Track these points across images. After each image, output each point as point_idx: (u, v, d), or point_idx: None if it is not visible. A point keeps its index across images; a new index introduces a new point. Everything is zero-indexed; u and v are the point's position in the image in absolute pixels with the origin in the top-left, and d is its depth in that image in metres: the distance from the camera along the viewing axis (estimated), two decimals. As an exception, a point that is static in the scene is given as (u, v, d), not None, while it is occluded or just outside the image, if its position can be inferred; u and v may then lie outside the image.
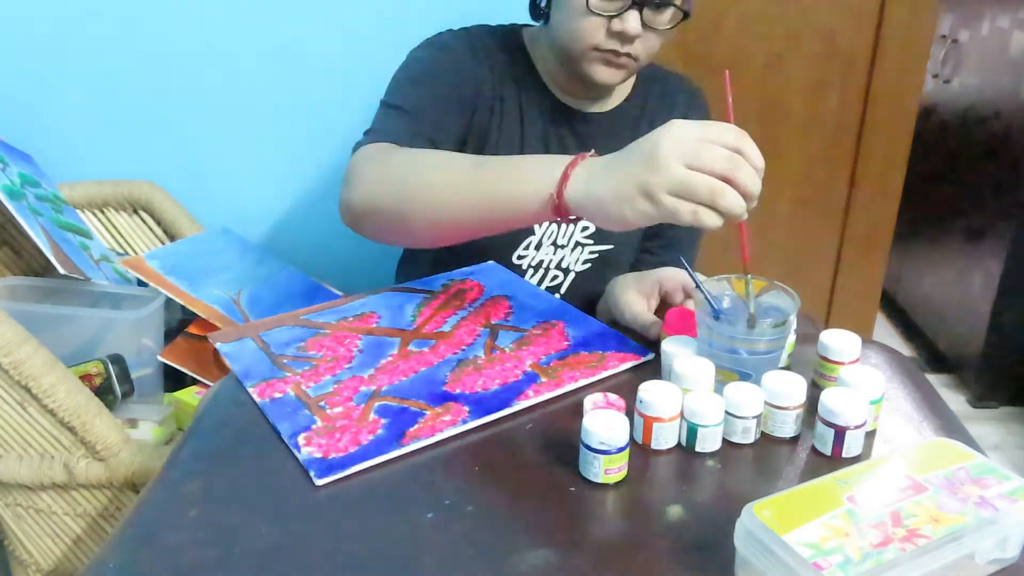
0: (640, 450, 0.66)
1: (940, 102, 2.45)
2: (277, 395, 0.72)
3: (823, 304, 1.93)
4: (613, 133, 1.04)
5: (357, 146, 0.90)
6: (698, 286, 0.71)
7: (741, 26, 1.63)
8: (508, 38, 1.04)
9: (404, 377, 0.75)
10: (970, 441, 0.68)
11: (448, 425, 0.67)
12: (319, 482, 0.61)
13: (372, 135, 0.91)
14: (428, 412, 0.69)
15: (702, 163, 0.62)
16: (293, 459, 0.64)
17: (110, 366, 1.11)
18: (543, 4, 0.99)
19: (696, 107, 1.11)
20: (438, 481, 0.62)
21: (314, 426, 0.67)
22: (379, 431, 0.67)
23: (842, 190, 1.80)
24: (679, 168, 0.62)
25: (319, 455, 0.63)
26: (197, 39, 1.39)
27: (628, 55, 0.91)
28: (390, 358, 0.78)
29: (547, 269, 1.06)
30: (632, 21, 0.88)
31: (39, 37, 1.37)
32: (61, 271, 1.14)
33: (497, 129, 1.01)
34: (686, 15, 0.91)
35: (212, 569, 0.53)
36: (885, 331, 2.65)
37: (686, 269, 0.75)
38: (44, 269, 1.31)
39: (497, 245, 1.01)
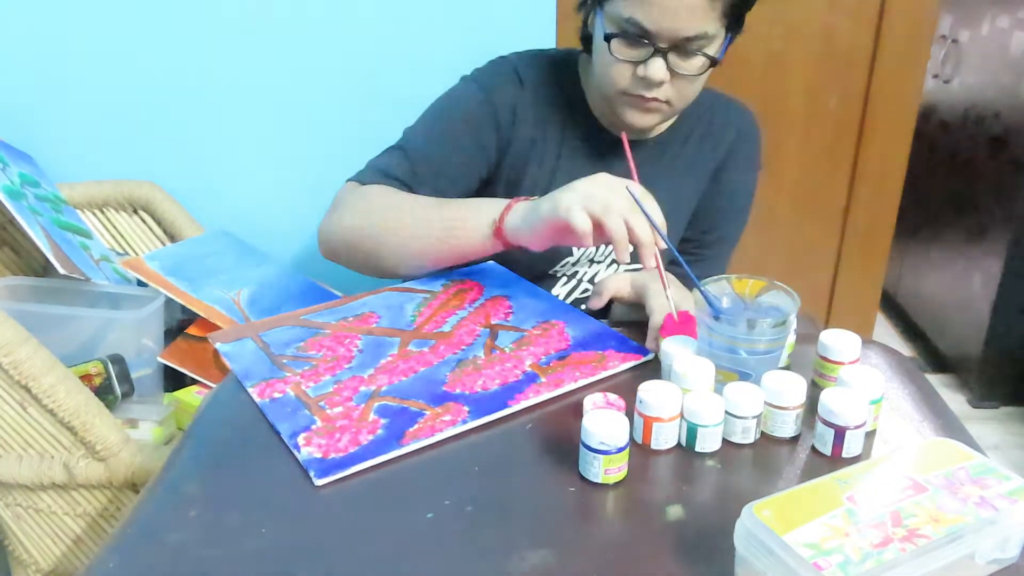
0: (640, 450, 0.66)
1: (940, 102, 2.45)
2: (277, 395, 0.72)
3: (823, 304, 1.93)
4: (657, 159, 1.04)
5: (352, 177, 0.98)
6: (697, 287, 0.71)
7: (741, 26, 1.63)
8: (560, 65, 1.04)
9: (404, 377, 0.75)
10: (970, 441, 0.68)
11: (448, 425, 0.67)
12: (319, 482, 0.61)
13: (367, 171, 0.98)
14: (428, 412, 0.69)
15: (600, 219, 0.75)
16: (293, 459, 0.64)
17: (110, 366, 1.11)
18: (587, 39, 0.99)
19: (750, 138, 1.09)
20: (438, 481, 0.62)
21: (314, 426, 0.67)
22: (379, 431, 0.67)
23: (842, 190, 1.80)
24: (581, 215, 0.75)
25: (319, 455, 0.63)
26: (197, 39, 1.39)
27: (656, 99, 0.90)
28: (390, 358, 0.78)
29: (579, 281, 1.07)
30: (655, 68, 0.87)
31: (39, 38, 1.37)
32: (61, 271, 1.14)
33: (537, 163, 1.01)
34: (714, 62, 0.89)
35: (212, 569, 0.53)
36: (885, 331, 2.65)
37: (684, 268, 0.75)
38: (44, 269, 1.31)
39: (535, 259, 0.97)
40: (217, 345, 0.81)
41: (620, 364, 0.78)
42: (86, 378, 1.09)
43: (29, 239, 1.16)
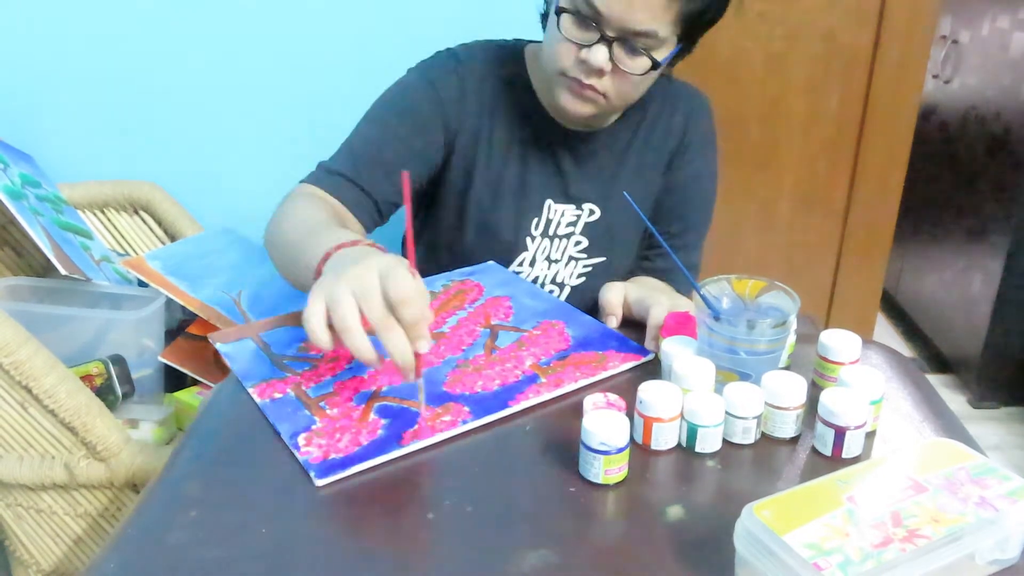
0: (640, 450, 0.66)
1: (940, 102, 2.45)
2: (277, 395, 0.72)
3: (823, 304, 1.93)
4: (608, 150, 1.04)
5: (306, 177, 0.97)
6: (696, 288, 0.71)
7: (741, 26, 1.63)
8: (507, 56, 1.03)
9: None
10: (970, 441, 0.68)
11: (449, 426, 0.67)
12: (319, 483, 0.61)
13: (316, 170, 0.98)
14: (428, 413, 0.69)
15: (363, 302, 0.62)
16: (293, 460, 0.64)
17: (111, 366, 1.11)
18: (544, 20, 0.99)
19: (701, 118, 1.08)
20: (438, 481, 0.62)
21: (314, 426, 0.67)
22: (379, 431, 0.66)
23: (842, 190, 1.80)
24: (344, 290, 0.63)
25: (319, 456, 0.63)
26: (197, 39, 1.39)
27: (593, 88, 0.89)
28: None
29: (543, 284, 1.07)
30: (597, 54, 0.86)
31: (39, 37, 1.38)
32: (62, 271, 1.14)
33: (486, 154, 1.01)
34: (656, 65, 0.88)
35: (212, 569, 0.53)
36: (885, 331, 2.65)
37: (683, 272, 0.74)
38: (45, 269, 1.31)
39: (490, 259, 1.02)
40: (217, 345, 0.81)
41: (620, 364, 0.77)
42: (87, 378, 1.09)
43: (30, 239, 1.16)
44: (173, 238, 1.46)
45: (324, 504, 0.59)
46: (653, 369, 0.78)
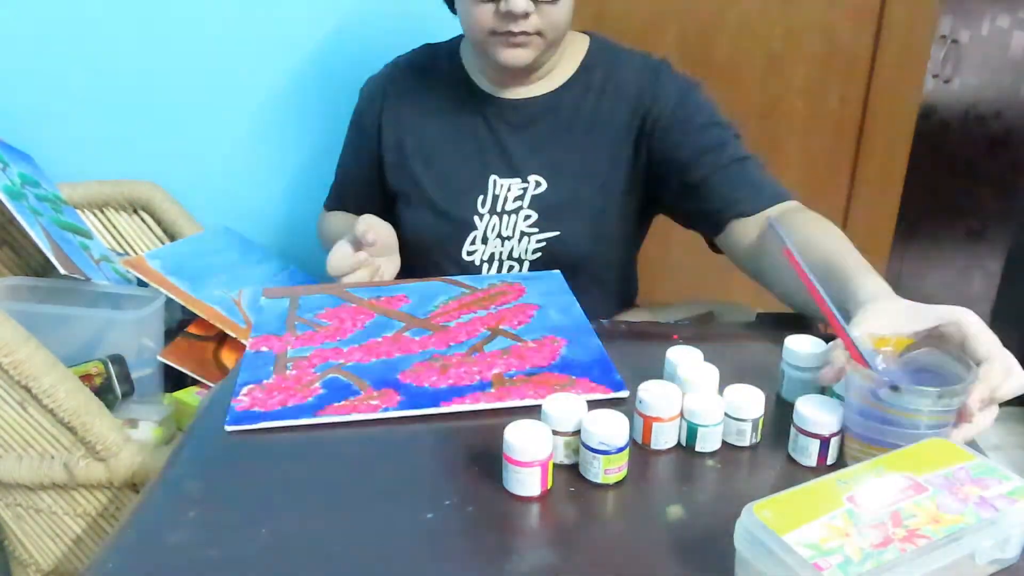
0: (640, 450, 0.66)
1: (940, 102, 2.44)
2: (264, 349, 0.76)
3: (823, 304, 1.93)
4: (550, 115, 1.04)
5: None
6: (855, 345, 0.60)
7: (741, 26, 1.63)
8: (441, 49, 1.11)
9: (375, 358, 0.77)
10: (970, 441, 0.68)
11: (371, 409, 0.69)
12: (227, 428, 0.65)
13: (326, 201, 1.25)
14: (362, 393, 0.71)
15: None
16: (293, 460, 0.64)
17: (110, 366, 1.11)
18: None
19: (666, 82, 1.02)
20: (438, 481, 0.62)
21: (265, 381, 0.71)
22: (309, 399, 0.69)
23: (842, 190, 1.80)
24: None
25: (245, 405, 0.67)
26: (198, 39, 1.39)
27: (526, 33, 0.92)
28: (381, 339, 0.80)
29: (501, 261, 1.07)
30: (516, 1, 0.88)
31: (39, 37, 1.37)
32: (61, 271, 1.14)
33: (418, 141, 1.08)
34: None
35: (212, 569, 0.53)
36: (885, 331, 2.65)
37: (842, 326, 0.61)
38: (44, 269, 1.31)
39: (445, 241, 1.06)
40: (262, 299, 0.88)
41: (582, 394, 0.71)
42: (86, 378, 1.09)
43: (29, 239, 1.16)
44: (173, 238, 1.46)
45: (324, 504, 0.59)
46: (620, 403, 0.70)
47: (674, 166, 1.00)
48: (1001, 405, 0.64)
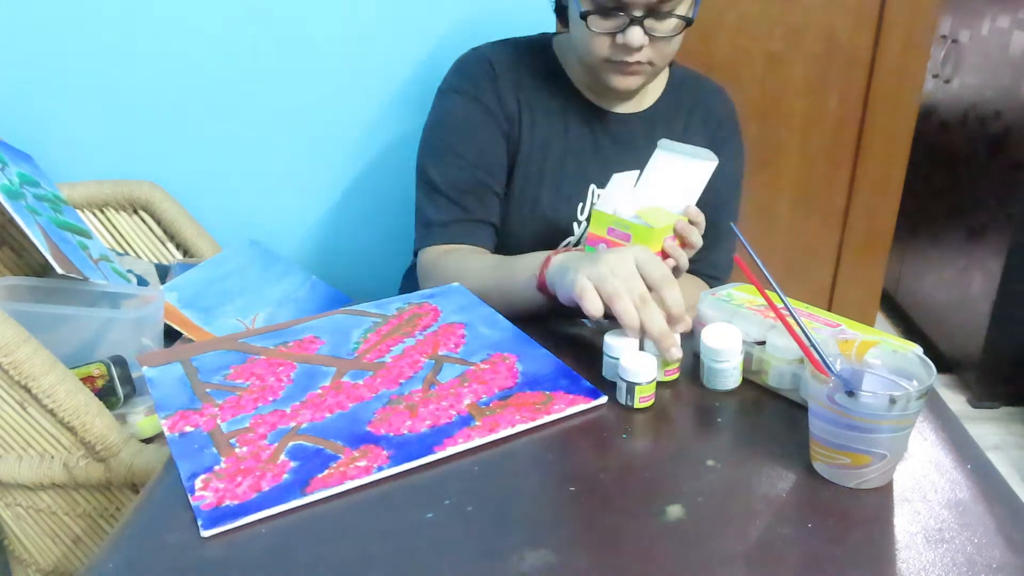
0: (639, 448, 0.66)
1: (940, 102, 2.45)
2: (188, 429, 0.67)
3: (823, 304, 1.93)
4: (648, 133, 1.07)
5: (418, 247, 1.06)
6: (814, 345, 0.62)
7: (741, 26, 1.63)
8: (535, 47, 1.08)
9: (329, 413, 0.69)
10: (970, 441, 0.69)
11: (362, 473, 0.62)
12: (204, 533, 0.56)
13: (426, 231, 1.04)
14: (343, 456, 0.64)
15: (624, 281, 0.74)
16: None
17: (112, 368, 1.11)
18: (563, 15, 1.03)
19: (728, 120, 1.13)
20: (438, 481, 0.62)
21: (217, 467, 0.62)
22: (285, 476, 0.61)
23: (842, 190, 1.80)
24: (605, 270, 0.75)
25: (212, 502, 0.58)
26: (198, 39, 1.39)
27: (639, 62, 0.94)
28: (320, 390, 0.72)
29: None
30: (633, 35, 0.90)
31: (39, 37, 1.37)
32: (59, 271, 1.14)
33: (529, 139, 1.05)
34: (689, 22, 0.93)
35: (212, 569, 0.53)
36: (885, 331, 2.65)
37: (793, 319, 0.64)
38: (44, 269, 1.31)
39: (543, 245, 1.05)
40: (144, 370, 0.75)
41: (566, 408, 0.71)
42: (88, 380, 1.09)
43: (28, 239, 1.16)
44: (172, 238, 1.46)
45: (323, 504, 0.59)
46: (604, 411, 0.72)
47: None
48: (1001, 405, 0.63)
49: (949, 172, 2.40)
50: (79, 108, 1.42)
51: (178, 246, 1.46)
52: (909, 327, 2.62)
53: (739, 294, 0.82)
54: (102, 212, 1.45)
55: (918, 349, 0.65)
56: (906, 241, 2.58)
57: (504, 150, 1.05)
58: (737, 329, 0.74)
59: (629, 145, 1.07)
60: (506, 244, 1.07)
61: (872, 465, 0.60)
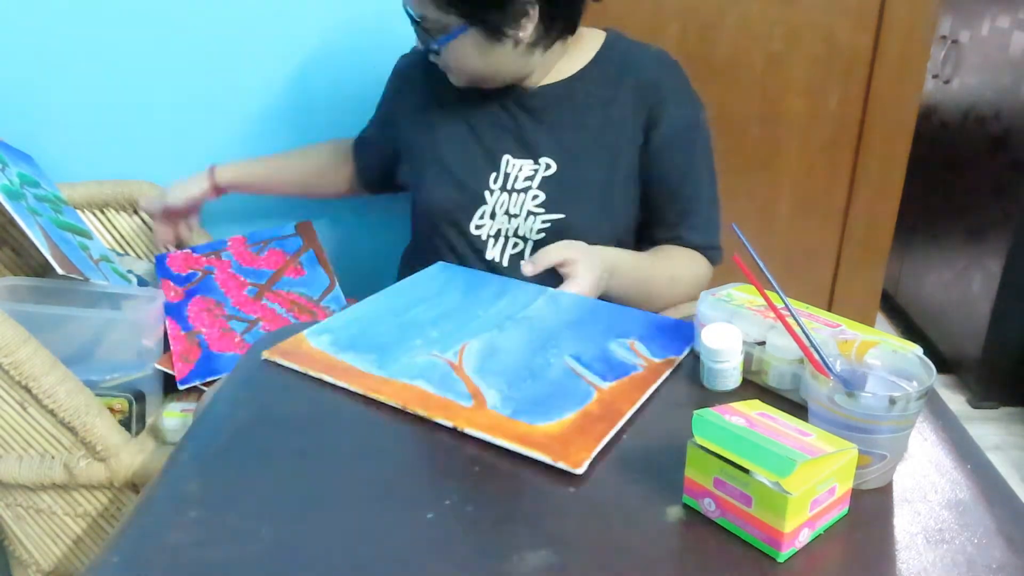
0: (639, 447, 0.66)
1: (940, 102, 2.45)
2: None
3: (823, 305, 1.93)
4: (567, 99, 1.09)
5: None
6: (814, 345, 0.61)
7: (741, 26, 1.63)
8: None
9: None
10: (970, 441, 0.69)
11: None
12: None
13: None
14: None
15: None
16: (293, 459, 0.64)
17: (133, 405, 1.12)
18: None
19: (667, 80, 1.10)
20: (438, 481, 0.62)
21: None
22: None
23: (842, 190, 1.80)
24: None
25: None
26: (198, 39, 1.39)
27: (445, 64, 1.06)
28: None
29: (507, 237, 1.10)
30: (418, 39, 1.06)
31: (39, 37, 1.37)
32: (59, 271, 1.14)
33: (440, 115, 1.14)
34: (435, 42, 1.02)
35: (212, 569, 0.53)
36: (885, 331, 2.65)
37: (793, 319, 0.63)
38: (45, 269, 1.31)
39: (456, 211, 1.11)
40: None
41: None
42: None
43: (28, 239, 1.16)
44: (173, 238, 1.45)
45: (323, 504, 0.59)
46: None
47: (648, 172, 1.11)
48: (1001, 405, 0.64)
49: (949, 172, 2.40)
50: (79, 108, 1.42)
51: (178, 246, 1.46)
52: (909, 327, 2.62)
53: (739, 294, 0.82)
54: (102, 212, 1.45)
55: (918, 349, 0.66)
56: (906, 241, 2.58)
57: (387, 127, 1.24)
58: (737, 329, 0.74)
59: (544, 115, 1.10)
60: (424, 213, 1.14)
61: (872, 465, 0.60)
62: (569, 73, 1.10)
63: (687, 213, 1.11)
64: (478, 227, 1.10)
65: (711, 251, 1.14)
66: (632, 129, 1.08)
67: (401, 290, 0.96)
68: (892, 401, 0.57)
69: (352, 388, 0.73)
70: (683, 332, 0.85)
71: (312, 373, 0.76)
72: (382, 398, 0.72)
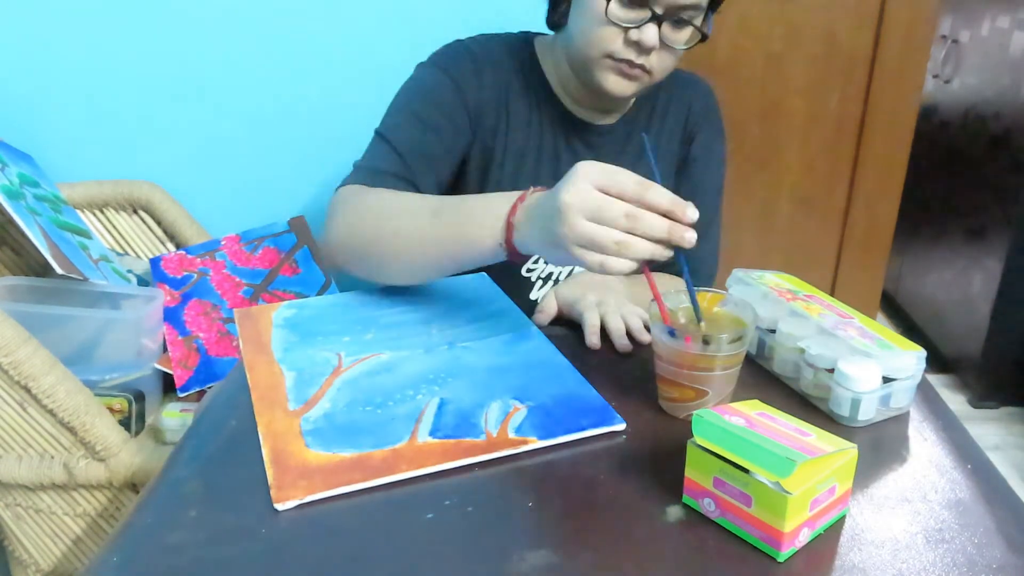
0: (639, 449, 0.66)
1: (940, 102, 2.45)
2: None
3: (823, 304, 1.93)
4: (626, 142, 1.05)
5: (344, 182, 0.93)
6: (656, 299, 0.69)
7: (741, 26, 1.63)
8: (518, 47, 1.03)
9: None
10: (970, 441, 0.69)
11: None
12: None
13: (356, 173, 0.94)
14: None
15: (603, 220, 0.65)
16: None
17: (133, 404, 1.11)
18: (562, 9, 0.98)
19: (708, 104, 1.10)
20: (438, 481, 0.62)
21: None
22: None
23: (842, 190, 1.80)
24: (583, 223, 0.65)
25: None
26: (198, 39, 1.39)
27: (642, 67, 0.90)
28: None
29: (556, 280, 1.06)
30: (649, 33, 0.87)
31: (39, 37, 1.38)
32: (59, 271, 1.14)
33: (503, 144, 1.01)
34: (704, 37, 0.91)
35: (212, 569, 0.53)
36: (885, 331, 2.65)
37: (685, 277, 0.70)
38: (44, 269, 1.31)
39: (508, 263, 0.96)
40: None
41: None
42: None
43: (28, 239, 1.16)
44: (172, 238, 1.46)
45: (324, 504, 0.59)
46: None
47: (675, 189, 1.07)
48: (1001, 405, 0.64)
49: (949, 172, 2.40)
50: (79, 108, 1.42)
51: (178, 246, 1.46)
52: (909, 327, 2.62)
53: (772, 277, 0.83)
54: (102, 212, 1.45)
55: (921, 352, 0.68)
56: (906, 241, 2.58)
57: (464, 135, 0.98)
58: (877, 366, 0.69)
59: (602, 153, 1.05)
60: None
61: (696, 401, 0.68)
62: (624, 110, 1.05)
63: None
64: (530, 270, 1.04)
65: (698, 276, 1.09)
66: (675, 162, 1.09)
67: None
68: (707, 341, 0.66)
69: (381, 481, 0.62)
70: (593, 414, 0.70)
71: (332, 493, 0.61)
72: (410, 473, 0.62)
